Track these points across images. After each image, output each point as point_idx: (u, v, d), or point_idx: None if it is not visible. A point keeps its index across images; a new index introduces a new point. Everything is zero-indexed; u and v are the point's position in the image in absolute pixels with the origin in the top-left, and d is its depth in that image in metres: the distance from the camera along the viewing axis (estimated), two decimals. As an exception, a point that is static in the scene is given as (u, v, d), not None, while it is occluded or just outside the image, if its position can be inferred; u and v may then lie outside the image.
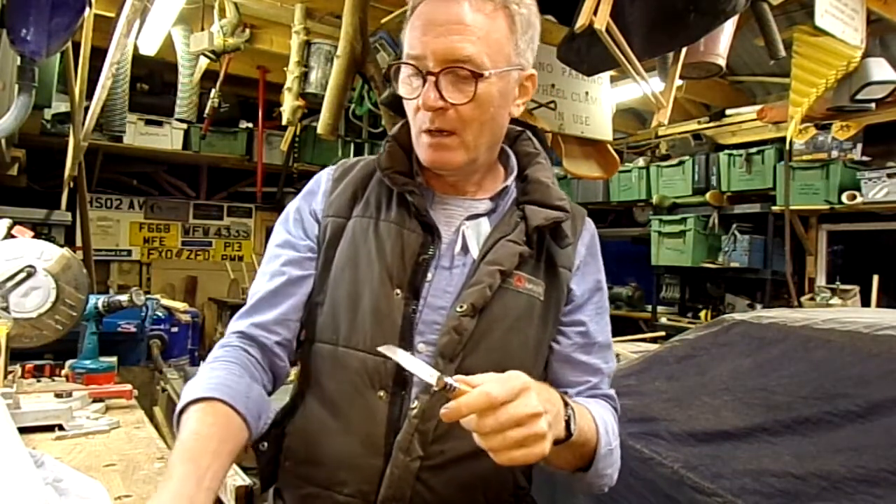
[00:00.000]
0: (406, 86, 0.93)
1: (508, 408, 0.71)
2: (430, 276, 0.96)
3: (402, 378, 0.93)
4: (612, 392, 1.06)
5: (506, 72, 0.92)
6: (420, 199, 0.98)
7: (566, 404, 0.84)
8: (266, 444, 1.00)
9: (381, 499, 0.92)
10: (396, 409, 0.93)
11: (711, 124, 5.15)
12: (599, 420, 0.94)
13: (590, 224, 1.08)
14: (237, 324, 1.00)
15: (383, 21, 3.29)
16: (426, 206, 0.99)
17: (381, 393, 0.93)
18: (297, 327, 1.02)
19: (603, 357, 1.05)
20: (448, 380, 0.71)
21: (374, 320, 0.94)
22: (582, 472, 0.95)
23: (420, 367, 0.76)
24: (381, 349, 0.82)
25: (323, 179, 1.07)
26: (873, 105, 3.35)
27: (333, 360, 0.97)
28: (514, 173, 1.04)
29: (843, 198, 4.20)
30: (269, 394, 0.99)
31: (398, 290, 0.94)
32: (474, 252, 0.97)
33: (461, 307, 0.92)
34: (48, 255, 1.90)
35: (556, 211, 0.99)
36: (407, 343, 0.93)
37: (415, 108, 0.93)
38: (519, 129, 1.08)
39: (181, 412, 0.85)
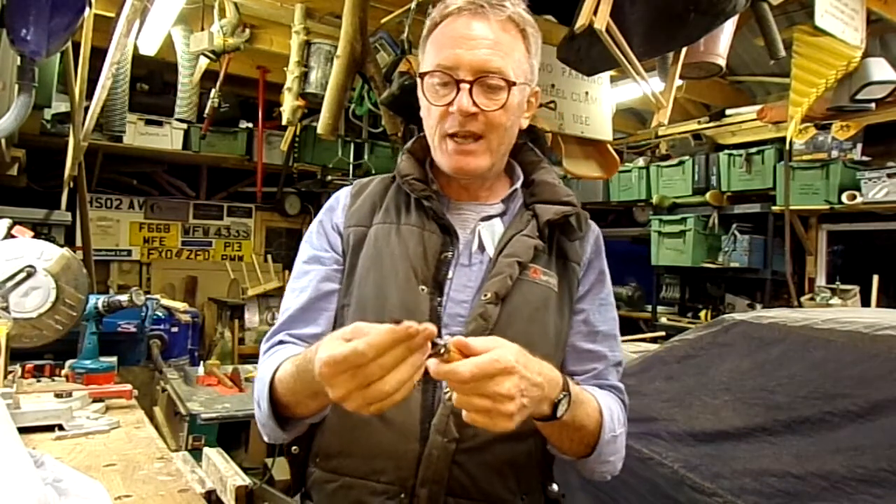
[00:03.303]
0: (433, 93, 1.00)
1: (478, 384, 0.74)
2: (450, 273, 1.03)
3: None
4: (619, 384, 1.10)
5: (524, 85, 1.02)
6: (437, 203, 1.05)
7: (564, 388, 0.87)
8: (297, 447, 1.04)
9: (420, 482, 0.95)
10: (429, 395, 0.98)
11: (711, 124, 5.14)
12: (605, 408, 0.99)
13: (594, 225, 1.15)
14: (271, 340, 1.04)
15: (383, 21, 3.28)
16: (443, 210, 1.06)
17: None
18: None
19: (608, 346, 1.09)
20: (439, 341, 0.75)
21: (404, 314, 0.96)
22: (585, 457, 0.99)
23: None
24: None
25: (342, 196, 1.15)
26: (873, 105, 3.34)
27: None
28: (521, 179, 1.12)
29: (843, 198, 4.19)
30: None
31: (423, 287, 1.00)
32: (490, 250, 1.04)
33: (485, 295, 0.99)
34: (48, 255, 1.90)
35: (566, 206, 1.07)
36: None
37: (441, 114, 0.99)
38: (520, 141, 1.14)
39: (272, 383, 0.93)
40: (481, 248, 1.04)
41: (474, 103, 0.96)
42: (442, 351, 0.75)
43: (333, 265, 1.07)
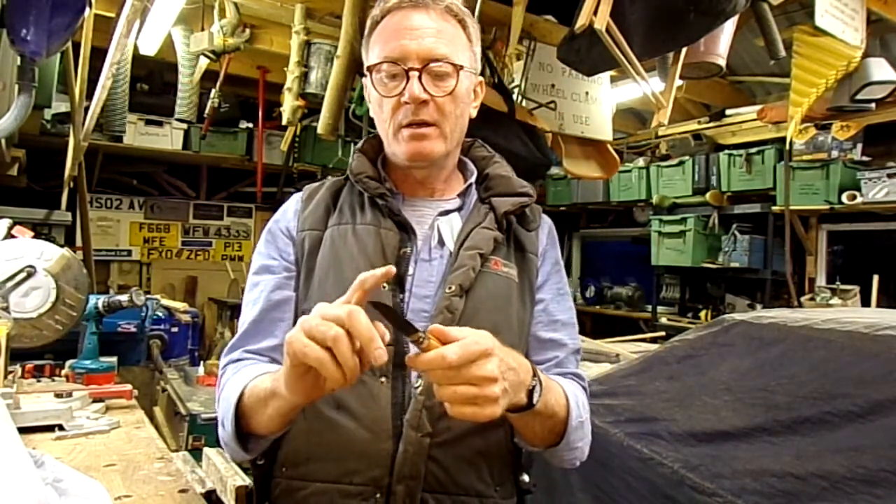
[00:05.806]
0: (382, 86, 1.01)
1: (462, 369, 0.74)
2: (411, 269, 1.02)
3: (401, 361, 0.94)
4: (580, 371, 1.11)
5: (470, 72, 1.04)
6: (392, 201, 1.06)
7: (535, 375, 0.88)
8: (262, 458, 1.01)
9: (396, 479, 0.94)
10: (399, 392, 0.97)
11: (711, 124, 5.14)
12: (570, 394, 1.00)
13: (546, 217, 1.18)
14: (229, 356, 1.03)
15: (383, 21, 3.28)
16: (398, 207, 1.06)
17: (383, 379, 0.97)
18: None
19: (567, 334, 1.11)
20: (418, 330, 0.75)
21: (368, 312, 0.96)
22: (554, 446, 1.00)
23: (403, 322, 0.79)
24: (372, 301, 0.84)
25: (292, 202, 1.14)
26: (873, 105, 3.35)
27: None
28: (475, 174, 1.14)
29: (843, 198, 4.20)
30: None
31: (385, 284, 0.98)
32: (450, 244, 1.04)
33: (450, 288, 0.99)
34: (48, 255, 1.90)
35: (521, 197, 1.09)
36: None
37: (393, 106, 1.00)
38: (470, 139, 1.17)
39: (238, 403, 0.92)
40: (441, 242, 1.05)
41: (425, 90, 0.98)
42: (421, 339, 0.74)
43: (284, 273, 1.06)
